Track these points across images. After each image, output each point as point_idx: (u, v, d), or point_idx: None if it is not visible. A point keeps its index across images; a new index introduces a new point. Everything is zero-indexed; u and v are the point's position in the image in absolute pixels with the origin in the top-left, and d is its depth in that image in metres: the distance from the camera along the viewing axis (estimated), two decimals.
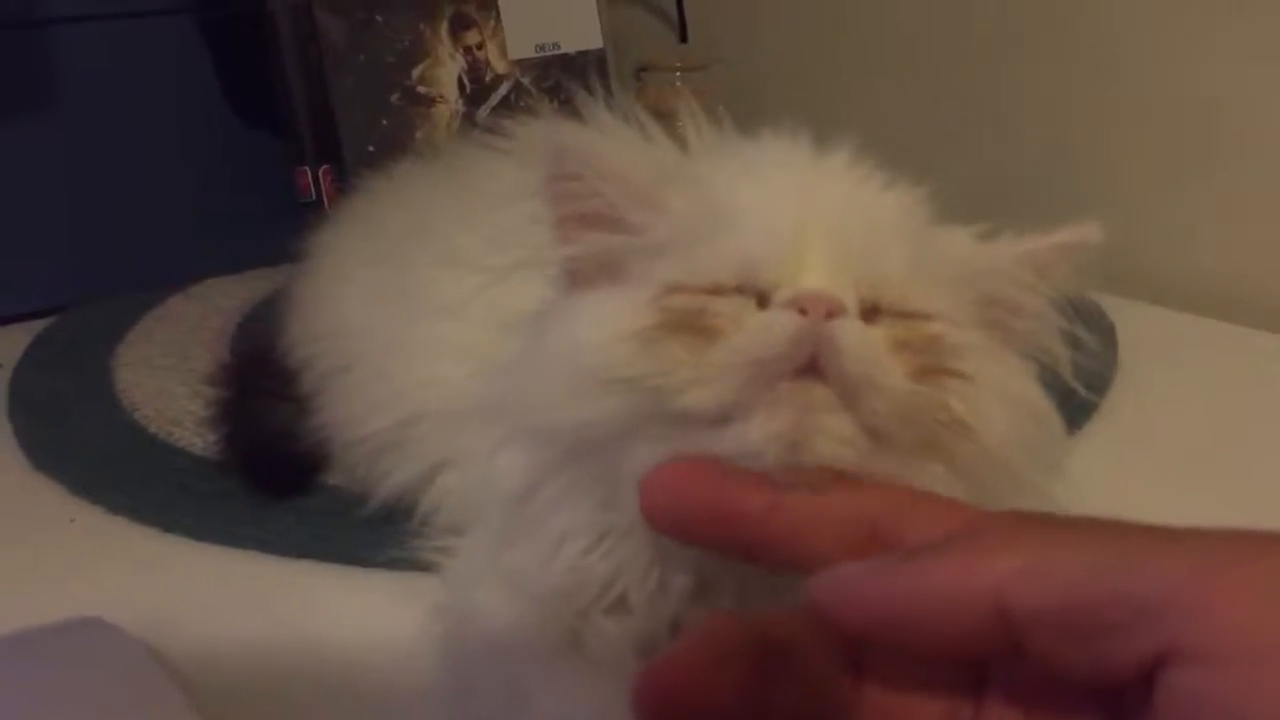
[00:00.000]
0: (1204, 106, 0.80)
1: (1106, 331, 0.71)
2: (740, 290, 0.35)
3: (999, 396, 0.36)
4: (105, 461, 0.60)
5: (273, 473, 0.56)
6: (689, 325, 0.34)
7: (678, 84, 0.95)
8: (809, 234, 0.36)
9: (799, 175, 0.39)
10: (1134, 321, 0.74)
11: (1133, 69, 0.84)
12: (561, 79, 0.90)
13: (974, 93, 0.94)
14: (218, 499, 0.56)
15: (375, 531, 0.52)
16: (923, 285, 0.36)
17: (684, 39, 1.08)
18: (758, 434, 0.33)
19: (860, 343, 0.33)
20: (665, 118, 0.99)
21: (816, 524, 0.30)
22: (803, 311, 0.33)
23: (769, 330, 0.33)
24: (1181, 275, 0.82)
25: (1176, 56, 0.81)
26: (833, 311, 0.33)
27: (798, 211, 0.36)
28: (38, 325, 0.81)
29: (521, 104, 0.89)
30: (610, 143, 0.39)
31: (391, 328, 0.52)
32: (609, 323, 0.36)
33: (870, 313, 0.35)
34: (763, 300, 0.35)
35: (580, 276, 0.39)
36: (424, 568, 0.48)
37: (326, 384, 0.55)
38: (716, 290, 0.35)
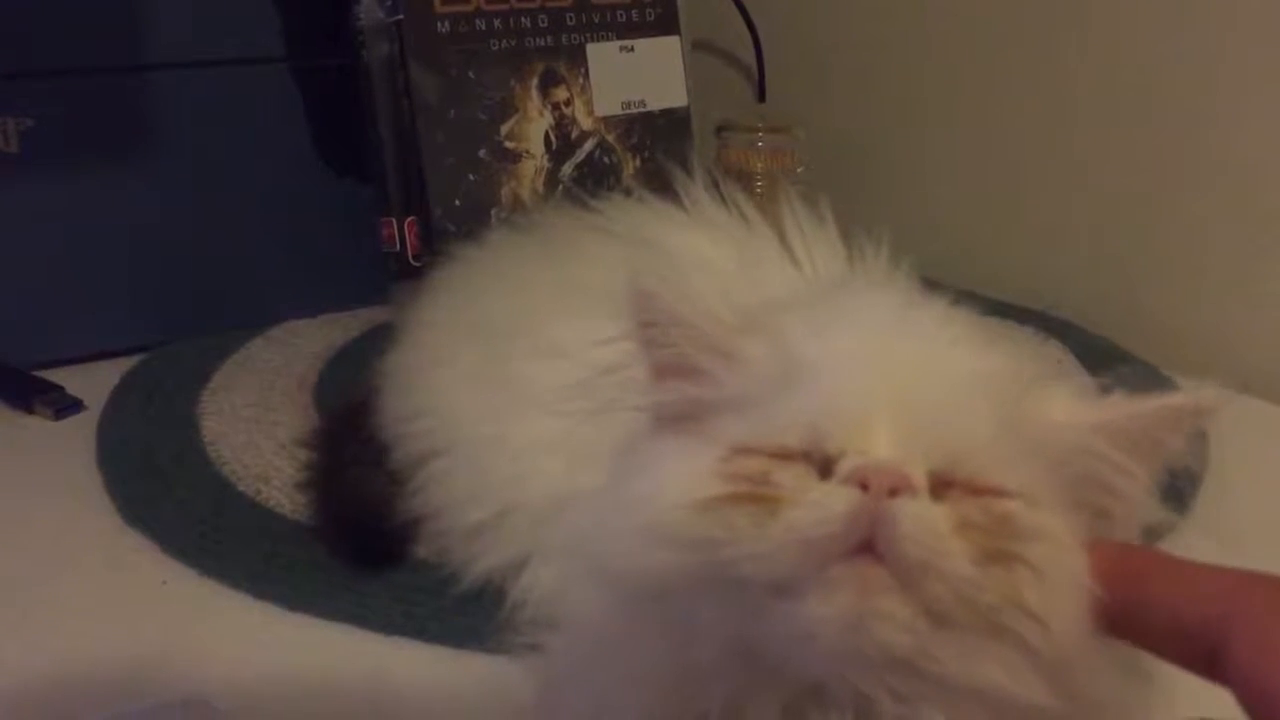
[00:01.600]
0: None
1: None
2: (807, 456, 0.34)
3: (1071, 587, 0.33)
4: (196, 520, 0.61)
5: (364, 544, 0.56)
6: (752, 496, 0.34)
7: (759, 145, 0.96)
8: (880, 400, 0.35)
9: (880, 334, 0.37)
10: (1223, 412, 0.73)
11: (1228, 140, 0.83)
12: (646, 137, 0.91)
13: (1053, 154, 0.93)
14: (309, 568, 0.56)
15: (467, 613, 0.52)
16: (1004, 458, 0.34)
17: (762, 98, 1.08)
18: (813, 615, 0.32)
19: (920, 525, 0.32)
20: (745, 177, 1.00)
21: None
22: (864, 486, 0.32)
23: (824, 508, 0.32)
24: (1271, 362, 0.81)
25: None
26: (897, 488, 0.32)
27: (871, 375, 0.35)
28: (122, 364, 0.82)
29: (606, 160, 0.89)
30: (693, 287, 0.39)
31: (488, 418, 0.52)
32: (678, 482, 0.35)
33: (941, 486, 0.33)
34: (826, 469, 0.34)
35: (663, 421, 0.39)
36: (515, 655, 0.48)
37: (420, 466, 0.55)
38: (783, 454, 0.34)
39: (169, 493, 0.64)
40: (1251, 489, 0.66)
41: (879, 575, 0.31)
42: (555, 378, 0.50)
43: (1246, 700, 0.28)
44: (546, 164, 0.87)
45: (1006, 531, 0.33)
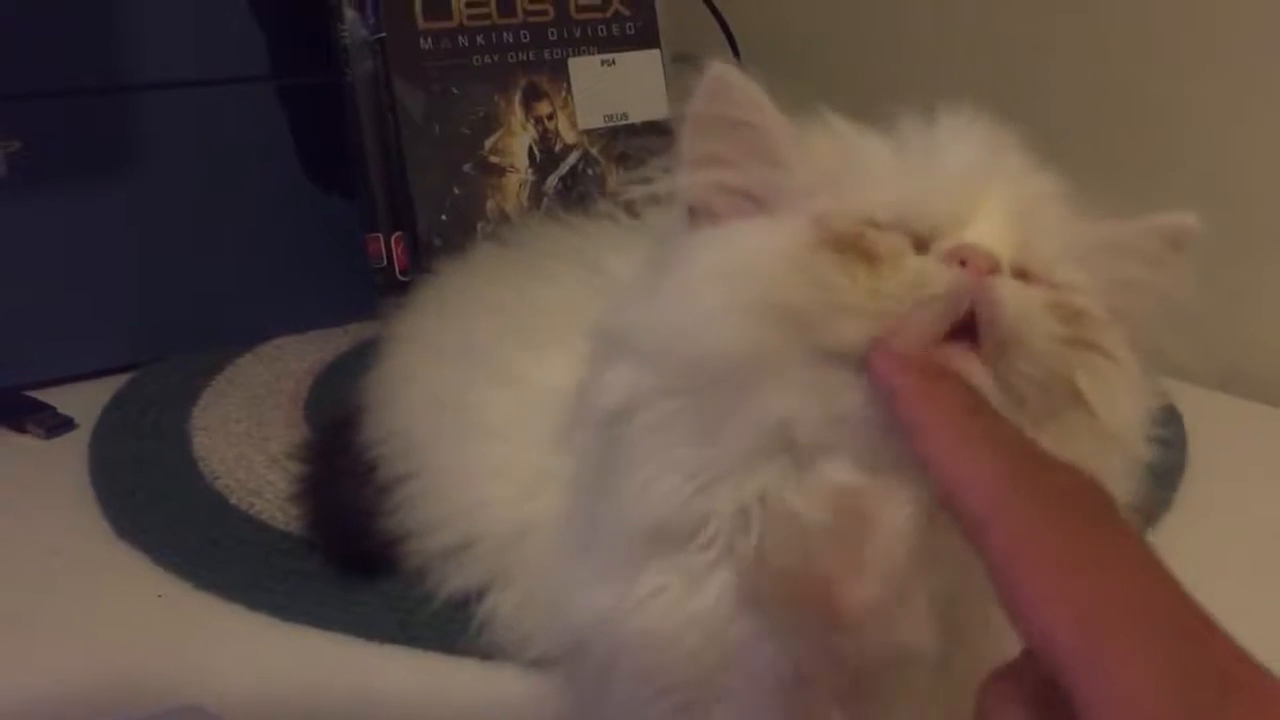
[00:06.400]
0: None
1: (1175, 421, 0.71)
2: (896, 230, 0.36)
3: (1130, 384, 0.37)
4: (189, 534, 0.61)
5: (357, 553, 0.56)
6: (852, 246, 0.35)
7: None
8: (971, 188, 0.36)
9: (974, 137, 0.39)
10: (1201, 409, 0.74)
11: (1202, 149, 0.84)
12: (628, 148, 0.92)
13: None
14: (303, 578, 0.57)
15: (459, 621, 0.52)
16: (1071, 263, 0.37)
17: None
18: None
19: (1020, 300, 0.34)
20: None
21: None
22: (963, 264, 0.34)
23: (935, 276, 0.34)
24: (1250, 360, 0.82)
25: (1252, 135, 0.82)
26: (993, 269, 0.34)
27: (971, 166, 0.37)
28: (113, 382, 0.82)
29: (590, 173, 0.90)
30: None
31: (448, 444, 0.52)
32: (766, 244, 0.36)
33: (1022, 275, 0.36)
34: (920, 245, 0.35)
35: (709, 213, 0.39)
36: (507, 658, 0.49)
37: (393, 487, 0.55)
38: (872, 224, 0.36)
39: (162, 507, 0.64)
40: (1229, 481, 0.67)
41: (972, 359, 0.33)
42: (507, 406, 0.51)
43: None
44: (531, 177, 0.88)
45: (1082, 321, 0.36)
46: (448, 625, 0.52)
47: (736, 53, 1.08)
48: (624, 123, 0.92)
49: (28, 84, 0.80)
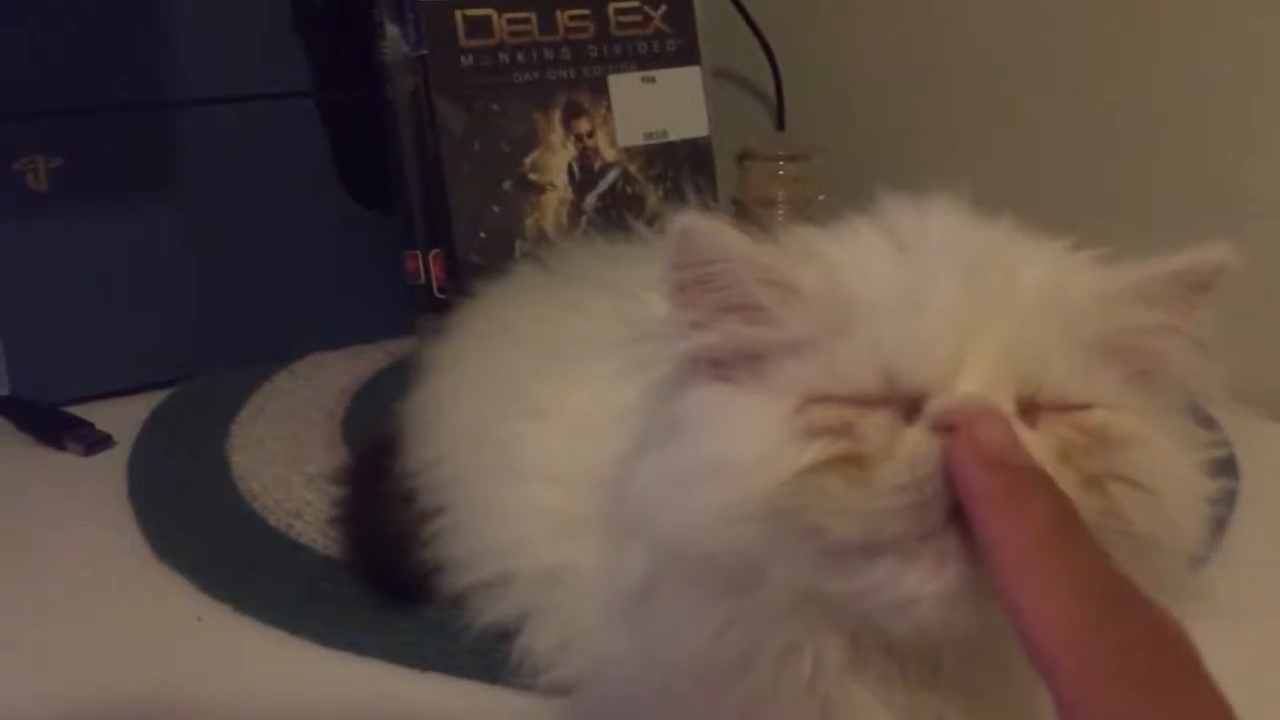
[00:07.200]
0: None
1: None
2: (888, 400, 0.33)
3: (1173, 482, 0.34)
4: (229, 556, 0.61)
5: (398, 579, 0.56)
6: (843, 456, 0.33)
7: (781, 173, 0.96)
8: (956, 328, 0.33)
9: (940, 258, 0.35)
10: (1252, 439, 0.72)
11: (1255, 168, 0.83)
12: (668, 167, 0.91)
13: (1079, 180, 0.93)
14: (343, 604, 0.56)
15: (502, 649, 0.51)
16: (1077, 365, 0.34)
17: (781, 126, 1.08)
18: (913, 587, 0.32)
19: None
20: (767, 206, 1.00)
21: None
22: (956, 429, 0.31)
23: (921, 461, 0.32)
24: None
25: None
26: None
27: (942, 303, 0.34)
28: (151, 399, 0.82)
29: (629, 191, 0.89)
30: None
31: (482, 479, 0.52)
32: (756, 446, 0.34)
33: (1029, 410, 0.33)
34: (912, 410, 0.33)
35: (710, 368, 0.37)
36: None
37: (429, 519, 0.54)
38: (862, 400, 0.33)
39: (201, 528, 0.64)
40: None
41: None
42: (541, 442, 0.50)
43: None
44: (570, 195, 0.87)
45: (1104, 448, 0.33)
46: (491, 654, 0.51)
47: (775, 68, 1.07)
48: (664, 140, 0.91)
49: (69, 100, 0.80)
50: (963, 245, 0.36)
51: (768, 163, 0.96)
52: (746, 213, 0.94)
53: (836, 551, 0.33)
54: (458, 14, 0.82)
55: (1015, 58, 0.96)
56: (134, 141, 0.83)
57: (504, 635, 0.51)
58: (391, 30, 0.81)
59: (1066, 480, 0.32)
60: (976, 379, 0.33)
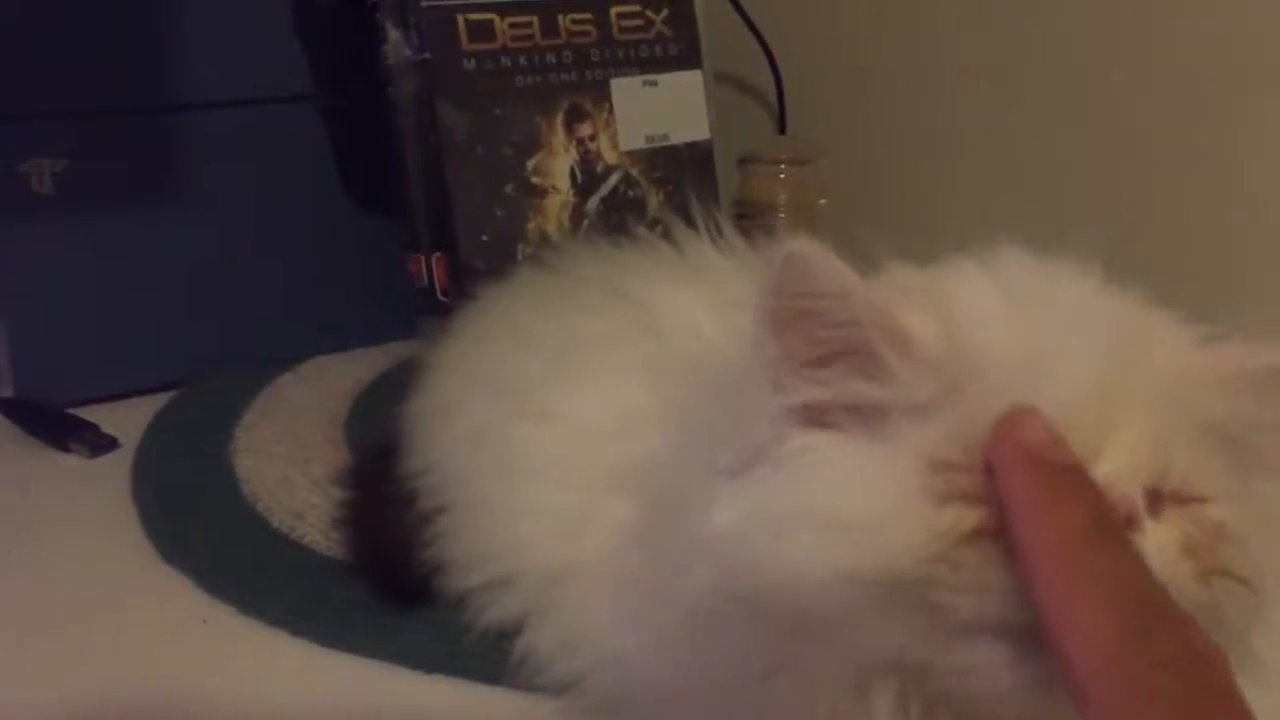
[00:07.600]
0: None
1: None
2: None
3: (1272, 587, 0.33)
4: (233, 558, 0.61)
5: (402, 581, 0.56)
6: (978, 529, 0.31)
7: (782, 177, 0.96)
8: (1102, 413, 0.32)
9: (1085, 328, 0.33)
10: None
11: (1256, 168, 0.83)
12: (670, 170, 0.91)
13: (1085, 184, 0.93)
14: (347, 606, 0.56)
15: (507, 650, 0.52)
16: (1197, 451, 0.33)
17: (782, 130, 1.08)
18: (1016, 673, 0.31)
19: (1161, 562, 0.30)
20: (768, 209, 1.00)
21: None
22: None
23: None
24: None
25: None
26: (1131, 518, 0.30)
27: (1090, 383, 0.32)
28: (155, 401, 0.83)
29: (631, 194, 0.90)
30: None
31: (486, 481, 0.52)
32: (878, 502, 0.32)
33: (1155, 500, 0.32)
34: None
35: (812, 417, 0.34)
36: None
37: (431, 520, 0.54)
38: (989, 468, 0.31)
39: (205, 530, 0.64)
40: None
41: None
42: (548, 445, 0.50)
43: None
44: (572, 199, 0.87)
45: (1221, 545, 0.32)
46: (495, 656, 0.51)
47: (776, 72, 1.07)
48: (665, 144, 0.92)
49: (74, 103, 0.81)
50: (1098, 320, 0.34)
51: (769, 166, 0.96)
52: (747, 216, 0.94)
53: (943, 627, 0.31)
54: (460, 18, 0.82)
55: (1017, 62, 0.96)
56: (139, 144, 0.84)
57: (506, 636, 0.51)
58: (394, 34, 0.82)
59: (1183, 573, 0.31)
60: (1113, 463, 0.32)
